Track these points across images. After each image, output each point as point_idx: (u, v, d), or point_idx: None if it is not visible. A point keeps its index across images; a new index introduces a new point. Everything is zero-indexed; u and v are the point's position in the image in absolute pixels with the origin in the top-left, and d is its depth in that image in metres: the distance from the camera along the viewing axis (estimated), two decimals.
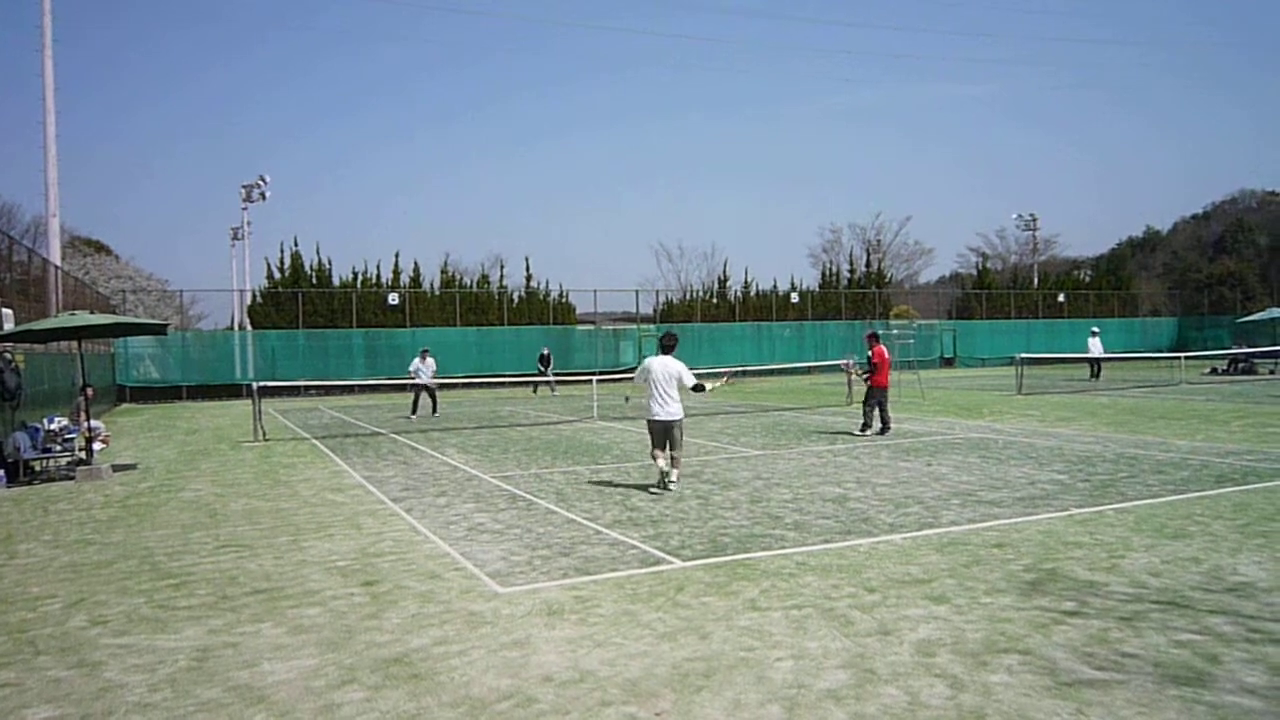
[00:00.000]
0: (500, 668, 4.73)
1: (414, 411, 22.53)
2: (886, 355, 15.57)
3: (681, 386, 10.17)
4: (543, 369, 31.81)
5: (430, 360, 23.17)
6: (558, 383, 31.62)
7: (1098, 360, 31.39)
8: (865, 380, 15.82)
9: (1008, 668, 4.53)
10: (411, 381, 23.14)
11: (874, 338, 16.02)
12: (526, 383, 31.97)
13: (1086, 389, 26.18)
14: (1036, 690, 4.24)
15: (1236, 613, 5.33)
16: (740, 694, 4.29)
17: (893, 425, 15.63)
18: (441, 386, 25.71)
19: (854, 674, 4.50)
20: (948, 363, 44.93)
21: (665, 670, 4.62)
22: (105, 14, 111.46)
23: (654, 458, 10.24)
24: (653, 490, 10.13)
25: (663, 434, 10.16)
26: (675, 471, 10.16)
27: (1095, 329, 32.52)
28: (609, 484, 10.81)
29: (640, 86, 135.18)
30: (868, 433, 15.28)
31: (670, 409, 10.08)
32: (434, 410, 23.03)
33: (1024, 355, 27.61)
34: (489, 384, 33.95)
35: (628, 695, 4.31)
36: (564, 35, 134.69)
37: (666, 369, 10.15)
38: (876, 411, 15.47)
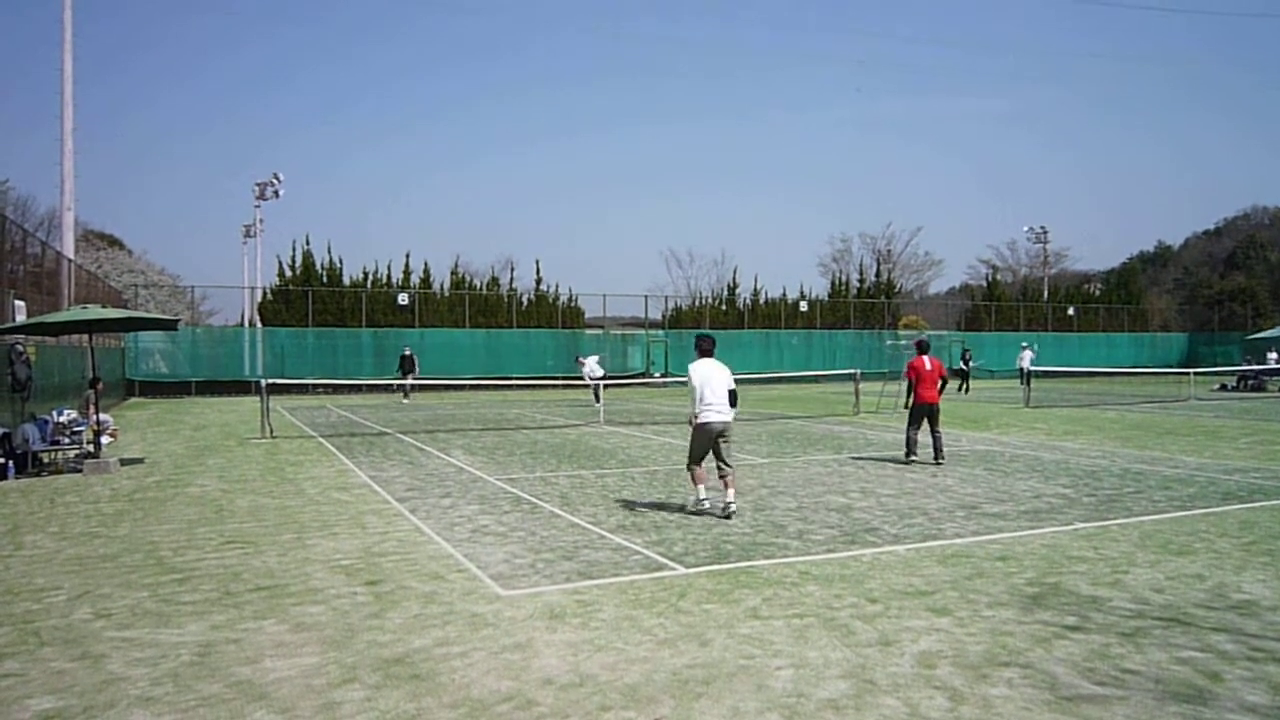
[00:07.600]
0: (501, 670, 4.75)
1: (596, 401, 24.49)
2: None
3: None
4: (402, 373, 30.31)
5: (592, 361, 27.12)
6: (414, 388, 30.31)
7: (1028, 373, 31.74)
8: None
9: (1008, 681, 4.53)
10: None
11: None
12: (533, 386, 31.56)
13: (1094, 403, 26.09)
14: (1036, 704, 4.23)
15: (1239, 630, 5.31)
16: (739, 702, 4.29)
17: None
18: (448, 387, 27.14)
19: (854, 684, 4.50)
20: (958, 375, 44.69)
21: (665, 676, 4.63)
22: (119, 6, 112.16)
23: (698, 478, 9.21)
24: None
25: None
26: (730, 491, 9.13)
27: (1026, 343, 36.17)
28: (614, 489, 10.82)
29: (654, 92, 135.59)
30: None
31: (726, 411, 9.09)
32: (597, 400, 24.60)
33: (1032, 368, 27.53)
34: (496, 386, 33.98)
35: (627, 700, 4.32)
36: (579, 37, 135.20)
37: (722, 371, 9.18)
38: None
